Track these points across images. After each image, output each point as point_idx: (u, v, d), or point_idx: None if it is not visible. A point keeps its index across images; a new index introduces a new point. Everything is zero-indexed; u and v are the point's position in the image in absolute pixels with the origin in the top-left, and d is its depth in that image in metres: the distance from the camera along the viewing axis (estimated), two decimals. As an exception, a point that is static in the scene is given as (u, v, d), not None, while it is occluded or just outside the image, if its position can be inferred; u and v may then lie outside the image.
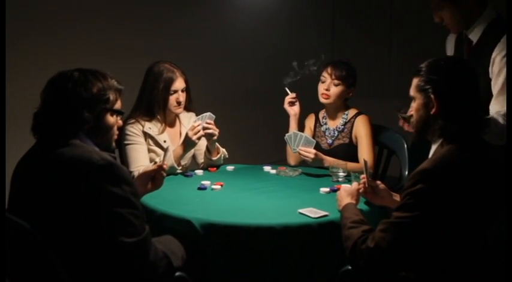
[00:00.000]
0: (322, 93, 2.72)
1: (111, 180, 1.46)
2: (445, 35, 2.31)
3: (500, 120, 2.00)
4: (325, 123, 2.83)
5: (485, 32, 2.13)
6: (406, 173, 2.66)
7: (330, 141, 2.79)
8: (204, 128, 2.53)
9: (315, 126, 2.88)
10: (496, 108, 2.06)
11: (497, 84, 2.06)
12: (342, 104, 2.78)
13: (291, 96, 2.81)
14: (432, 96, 1.60)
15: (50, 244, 1.40)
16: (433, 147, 1.68)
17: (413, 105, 1.69)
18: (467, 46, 2.21)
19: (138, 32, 3.67)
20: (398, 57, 4.83)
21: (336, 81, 2.69)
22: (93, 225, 1.44)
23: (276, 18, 3.50)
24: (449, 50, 2.38)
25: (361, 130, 2.69)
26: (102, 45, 3.49)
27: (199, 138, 2.54)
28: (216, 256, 1.80)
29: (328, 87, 2.70)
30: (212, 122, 2.56)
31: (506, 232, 1.55)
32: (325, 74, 2.73)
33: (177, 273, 1.69)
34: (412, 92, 1.69)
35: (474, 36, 2.16)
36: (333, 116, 2.81)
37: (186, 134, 2.53)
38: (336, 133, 2.78)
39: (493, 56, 2.07)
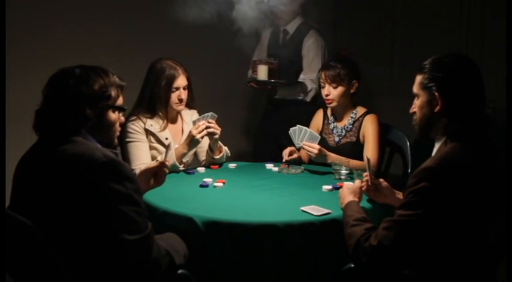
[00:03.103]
0: (326, 99, 2.71)
1: (113, 178, 1.46)
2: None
3: (308, 83, 3.43)
4: (333, 122, 2.82)
5: (298, 27, 3.48)
6: (409, 170, 2.65)
7: (337, 139, 2.78)
8: (206, 127, 2.53)
9: (323, 123, 2.87)
10: (307, 76, 3.41)
11: (307, 59, 3.42)
12: (349, 102, 2.76)
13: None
14: (436, 93, 1.59)
15: (52, 241, 1.40)
16: (436, 145, 1.67)
17: (417, 103, 1.68)
18: (284, 35, 3.52)
19: (140, 29, 3.66)
20: (400, 54, 4.80)
21: (334, 84, 2.67)
22: (96, 222, 1.44)
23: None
24: (266, 35, 3.59)
25: (369, 129, 2.68)
26: (104, 42, 3.48)
27: (202, 137, 2.53)
28: (218, 253, 1.80)
29: (329, 92, 2.69)
30: (214, 121, 2.56)
31: (507, 230, 1.55)
32: (321, 79, 2.72)
33: (180, 271, 1.69)
34: (416, 89, 1.68)
35: (291, 29, 3.50)
36: (341, 116, 2.80)
37: (190, 133, 2.53)
38: (344, 132, 2.76)
39: (304, 42, 3.42)
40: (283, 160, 2.66)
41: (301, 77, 3.45)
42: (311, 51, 3.43)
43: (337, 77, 2.66)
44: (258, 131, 3.76)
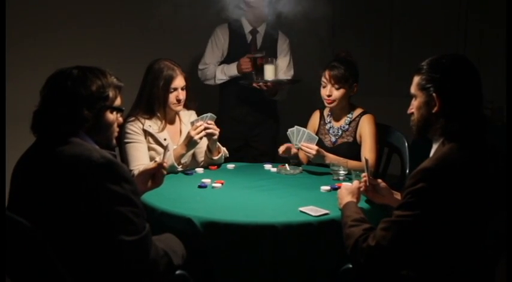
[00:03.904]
0: (326, 99, 2.70)
1: (111, 179, 1.46)
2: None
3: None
4: (330, 122, 2.81)
5: (266, 29, 3.46)
6: (407, 171, 2.65)
7: (333, 139, 2.78)
8: (205, 128, 2.53)
9: (320, 124, 2.86)
10: (286, 77, 3.41)
11: (285, 59, 3.47)
12: (347, 103, 2.76)
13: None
14: (434, 94, 1.59)
15: (50, 242, 1.39)
16: (434, 146, 1.67)
17: (414, 103, 1.68)
18: (254, 34, 3.49)
19: (139, 29, 3.67)
20: (398, 55, 4.81)
21: (337, 85, 2.66)
22: (93, 223, 1.44)
23: (275, 17, 3.54)
24: (224, 36, 3.48)
25: (366, 129, 2.67)
26: (102, 43, 3.48)
27: (201, 138, 2.53)
28: (217, 254, 1.80)
29: (330, 93, 2.67)
30: (213, 122, 2.56)
31: (506, 230, 1.55)
32: (324, 79, 2.69)
33: (178, 272, 1.69)
34: (413, 90, 1.68)
35: (262, 29, 3.48)
36: (338, 116, 2.79)
37: (188, 134, 2.53)
38: (340, 132, 2.76)
39: (279, 44, 3.48)
40: (280, 153, 2.63)
41: (284, 77, 3.39)
42: (289, 51, 3.49)
43: (341, 78, 2.64)
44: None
